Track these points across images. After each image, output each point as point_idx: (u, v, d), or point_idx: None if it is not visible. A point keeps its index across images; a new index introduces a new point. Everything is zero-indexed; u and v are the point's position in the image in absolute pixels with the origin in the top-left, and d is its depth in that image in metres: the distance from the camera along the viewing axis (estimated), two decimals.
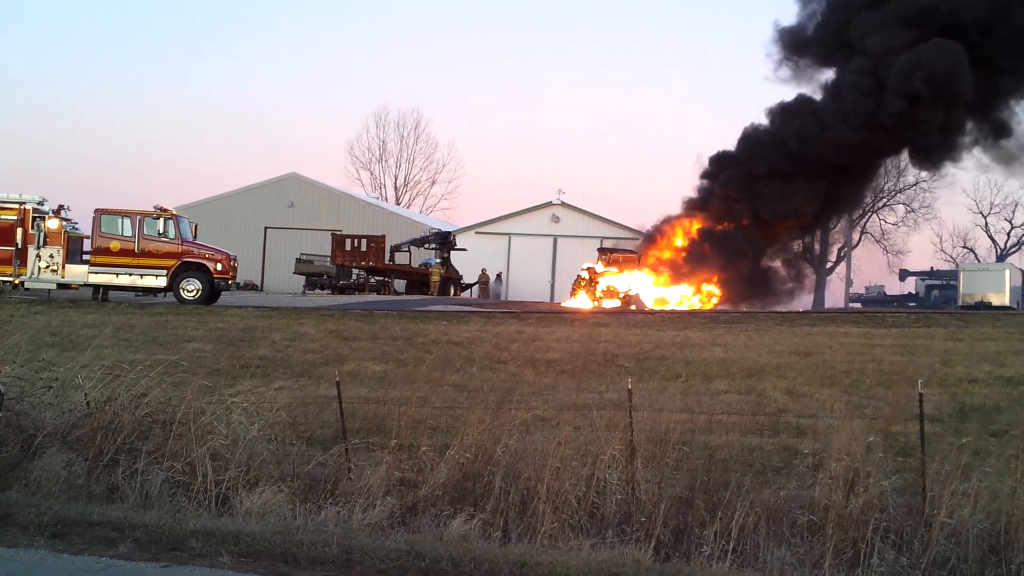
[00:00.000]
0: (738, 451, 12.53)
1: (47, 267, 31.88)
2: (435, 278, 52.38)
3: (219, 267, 32.42)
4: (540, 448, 11.30)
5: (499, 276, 57.49)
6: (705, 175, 48.64)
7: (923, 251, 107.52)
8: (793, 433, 14.42)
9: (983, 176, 68.38)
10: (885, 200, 71.87)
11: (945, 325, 28.19)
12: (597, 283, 45.19)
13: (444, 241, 57.33)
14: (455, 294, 53.18)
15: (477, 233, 60.72)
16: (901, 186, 71.21)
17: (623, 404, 12.17)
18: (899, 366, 20.02)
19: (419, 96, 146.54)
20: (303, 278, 56.00)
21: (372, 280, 53.91)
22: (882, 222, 75.85)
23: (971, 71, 41.38)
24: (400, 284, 54.81)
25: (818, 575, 9.63)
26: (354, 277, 54.36)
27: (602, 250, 50.84)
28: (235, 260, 34.08)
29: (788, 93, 50.35)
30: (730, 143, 49.26)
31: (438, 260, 54.50)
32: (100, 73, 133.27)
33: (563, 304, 45.62)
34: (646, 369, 19.59)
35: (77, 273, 32.23)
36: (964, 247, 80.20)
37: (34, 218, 32.02)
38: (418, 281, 54.48)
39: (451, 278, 54.36)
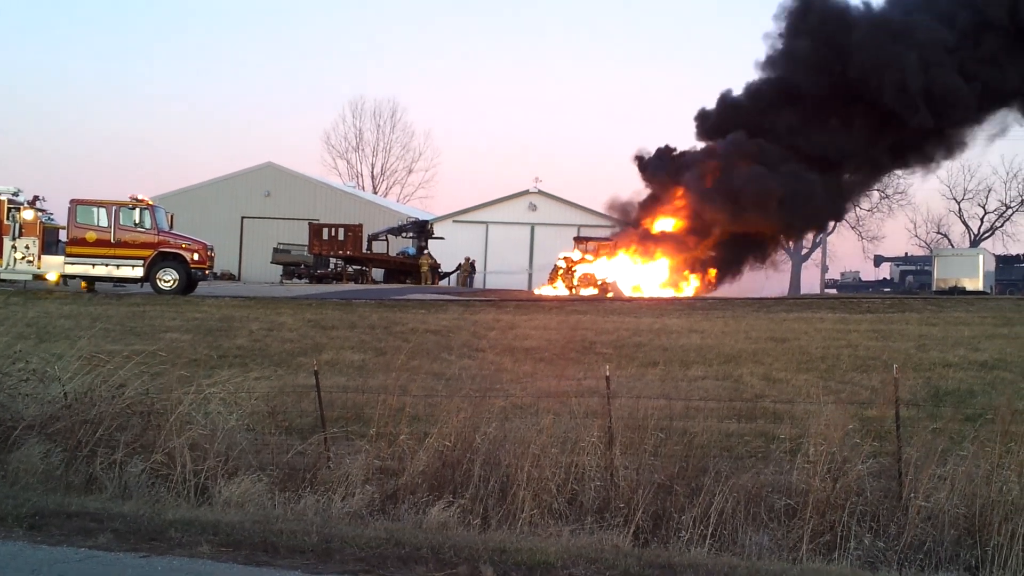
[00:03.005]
0: (716, 437, 12.58)
1: (23, 258, 31.66)
2: (424, 268, 52.47)
3: (196, 257, 32.26)
4: (520, 435, 11.34)
5: (472, 264, 57.40)
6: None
7: (897, 237, 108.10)
8: (770, 418, 14.52)
9: (957, 162, 68.45)
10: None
11: (920, 310, 28.36)
12: (574, 271, 45.20)
13: (422, 230, 57.26)
14: (433, 282, 53.16)
15: (455, 222, 60.61)
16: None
17: (601, 391, 12.23)
18: (874, 351, 20.17)
19: (395, 85, 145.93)
20: (280, 268, 55.83)
21: (350, 269, 53.81)
22: (857, 208, 76.23)
23: None
24: (378, 273, 54.74)
25: (795, 559, 9.70)
26: (331, 266, 54.22)
27: (578, 238, 50.91)
28: (212, 250, 33.94)
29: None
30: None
31: (427, 251, 54.53)
32: (75, 64, 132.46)
33: (540, 292, 45.62)
34: (624, 356, 19.66)
35: (53, 264, 32.01)
36: (938, 233, 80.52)
37: (9, 209, 31.76)
38: (396, 270, 54.45)
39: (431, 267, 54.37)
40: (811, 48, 41.39)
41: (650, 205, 45.17)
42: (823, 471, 10.44)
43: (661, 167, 44.90)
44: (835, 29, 41.06)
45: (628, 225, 46.49)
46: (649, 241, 43.32)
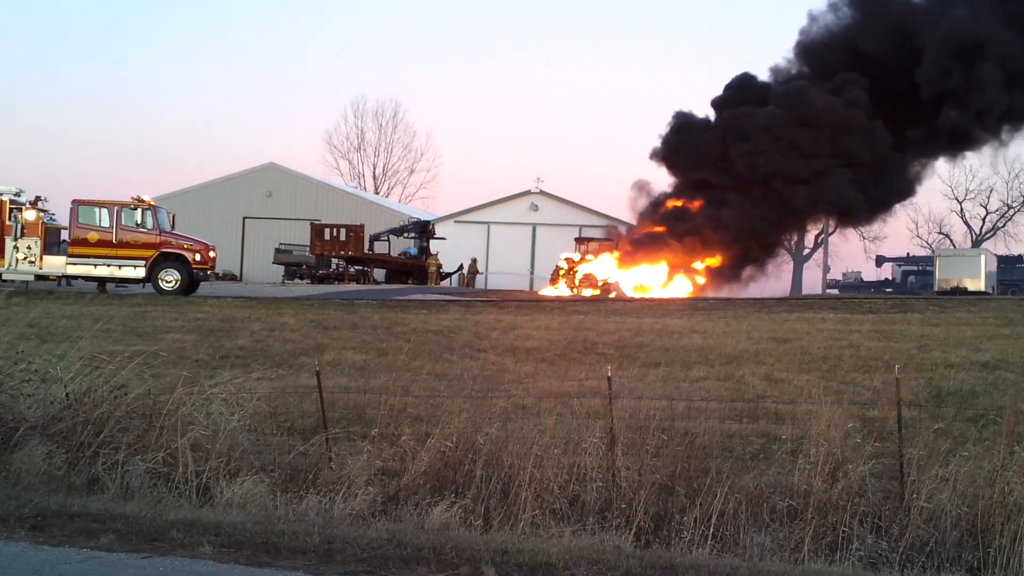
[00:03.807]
0: (718, 437, 12.58)
1: (25, 258, 31.67)
2: (432, 269, 52.57)
3: (198, 257, 32.28)
4: (521, 436, 11.34)
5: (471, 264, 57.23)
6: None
7: (899, 237, 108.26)
8: (772, 419, 14.51)
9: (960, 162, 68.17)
10: None
11: (921, 311, 28.35)
12: (576, 272, 45.23)
13: (423, 230, 57.28)
14: (437, 283, 53.22)
15: (456, 222, 60.59)
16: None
17: (603, 392, 12.23)
18: (876, 352, 20.17)
19: (397, 85, 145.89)
20: (282, 268, 55.83)
21: (351, 269, 53.83)
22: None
23: None
24: (380, 273, 54.78)
25: (797, 559, 9.70)
26: (333, 267, 54.25)
27: (579, 239, 50.96)
28: (214, 250, 33.96)
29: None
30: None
31: (436, 252, 54.54)
32: (77, 64, 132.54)
33: (541, 292, 45.65)
34: (626, 356, 19.65)
35: (55, 264, 32.03)
36: (940, 233, 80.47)
37: (11, 209, 31.78)
38: (398, 270, 54.48)
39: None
40: (875, 43, 40.11)
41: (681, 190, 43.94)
42: (825, 472, 10.44)
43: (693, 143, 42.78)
44: (901, 28, 39.71)
45: (651, 211, 45.30)
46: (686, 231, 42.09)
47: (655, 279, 43.43)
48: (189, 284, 32.19)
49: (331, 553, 8.83)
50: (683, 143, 43.30)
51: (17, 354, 14.09)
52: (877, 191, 41.74)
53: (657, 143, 44.72)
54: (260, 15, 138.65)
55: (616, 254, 45.12)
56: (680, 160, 43.43)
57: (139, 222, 31.97)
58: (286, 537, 9.19)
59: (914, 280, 67.34)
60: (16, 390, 12.80)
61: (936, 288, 55.63)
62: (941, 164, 60.71)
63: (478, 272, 56.22)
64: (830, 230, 69.60)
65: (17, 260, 31.65)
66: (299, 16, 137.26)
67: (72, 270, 32.09)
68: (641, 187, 46.88)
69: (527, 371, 18.29)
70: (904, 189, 44.52)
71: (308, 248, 54.28)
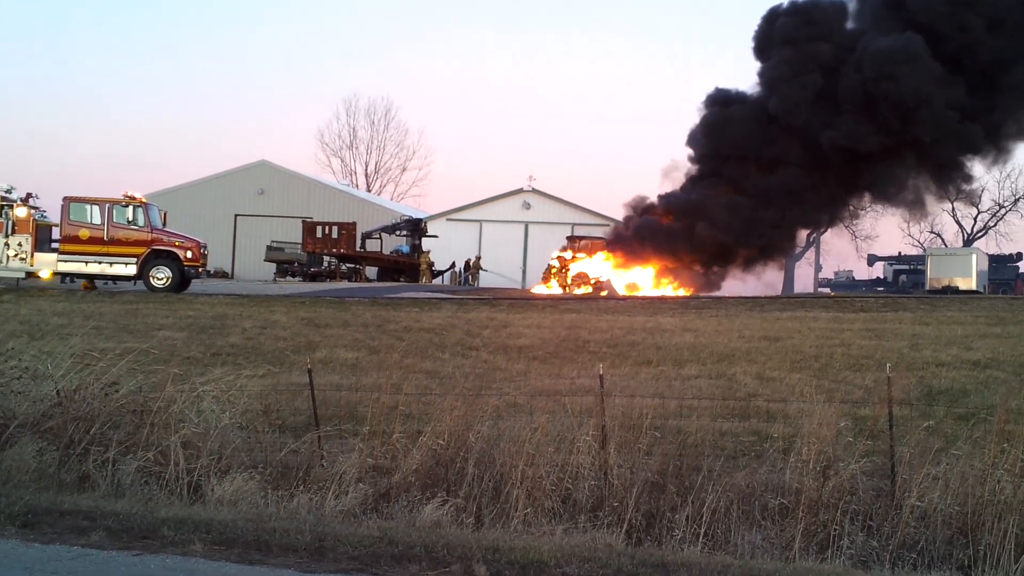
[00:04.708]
0: (709, 436, 12.58)
1: (15, 256, 31.59)
2: (424, 266, 52.60)
3: (189, 255, 32.21)
4: (514, 434, 11.33)
5: (467, 263, 57.21)
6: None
7: (891, 236, 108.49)
8: (763, 417, 14.51)
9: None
10: None
11: (913, 309, 28.39)
12: (568, 270, 45.25)
13: (415, 228, 57.24)
14: (429, 281, 53.26)
15: (448, 220, 60.63)
16: None
17: (595, 390, 12.22)
18: (868, 350, 20.18)
19: (389, 83, 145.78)
20: (274, 265, 55.77)
21: (343, 267, 53.80)
22: (850, 207, 76.03)
23: None
24: (371, 271, 54.76)
25: (788, 558, 9.70)
26: (325, 264, 54.23)
27: (571, 238, 50.99)
28: (205, 248, 33.92)
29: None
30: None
31: (428, 250, 54.52)
32: (68, 61, 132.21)
33: (534, 290, 45.67)
34: (618, 355, 19.64)
35: (46, 262, 31.95)
36: (931, 232, 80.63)
37: (2, 206, 31.70)
38: (390, 268, 54.45)
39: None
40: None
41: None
42: (816, 470, 10.44)
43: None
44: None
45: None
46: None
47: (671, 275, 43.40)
48: (180, 281, 32.13)
49: (322, 551, 8.82)
50: (727, 117, 42.61)
51: (8, 351, 14.05)
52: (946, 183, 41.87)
53: (654, 144, 44.52)
54: (252, 13, 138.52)
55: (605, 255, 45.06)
56: (723, 136, 42.54)
57: (130, 219, 31.91)
58: (277, 535, 9.18)
59: (905, 279, 67.44)
60: (6, 387, 12.76)
61: (927, 287, 55.80)
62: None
63: (481, 269, 56.09)
64: (822, 229, 69.76)
65: (8, 257, 31.56)
66: (291, 14, 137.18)
67: (63, 267, 32.01)
68: (670, 174, 46.76)
69: (519, 369, 18.28)
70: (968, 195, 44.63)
71: (300, 246, 54.28)
